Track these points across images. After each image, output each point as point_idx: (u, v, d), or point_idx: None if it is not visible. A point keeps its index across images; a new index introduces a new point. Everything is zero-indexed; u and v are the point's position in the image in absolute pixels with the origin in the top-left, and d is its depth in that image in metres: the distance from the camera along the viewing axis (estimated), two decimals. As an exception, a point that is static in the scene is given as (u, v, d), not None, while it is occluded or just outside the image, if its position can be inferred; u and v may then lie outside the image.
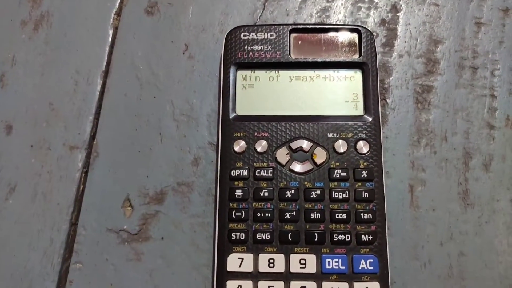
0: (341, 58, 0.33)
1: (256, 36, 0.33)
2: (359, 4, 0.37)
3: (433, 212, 0.32)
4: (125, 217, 0.33)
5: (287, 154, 0.31)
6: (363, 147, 0.31)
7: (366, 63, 0.32)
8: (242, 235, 0.30)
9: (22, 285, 0.32)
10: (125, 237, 0.32)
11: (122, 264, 0.32)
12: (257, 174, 0.31)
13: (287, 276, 0.29)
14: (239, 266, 0.29)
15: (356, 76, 0.33)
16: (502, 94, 0.34)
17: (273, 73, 0.33)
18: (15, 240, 0.33)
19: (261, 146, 0.31)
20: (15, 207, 0.33)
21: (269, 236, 0.29)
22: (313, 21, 0.37)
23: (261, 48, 0.33)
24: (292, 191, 0.30)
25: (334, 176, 0.30)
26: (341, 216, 0.30)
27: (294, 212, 0.30)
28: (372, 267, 0.29)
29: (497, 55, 0.35)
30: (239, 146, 0.31)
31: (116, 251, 0.32)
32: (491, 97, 0.34)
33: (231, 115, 0.32)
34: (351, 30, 0.33)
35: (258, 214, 0.30)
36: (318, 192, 0.30)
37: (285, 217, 0.30)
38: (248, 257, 0.29)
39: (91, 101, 0.36)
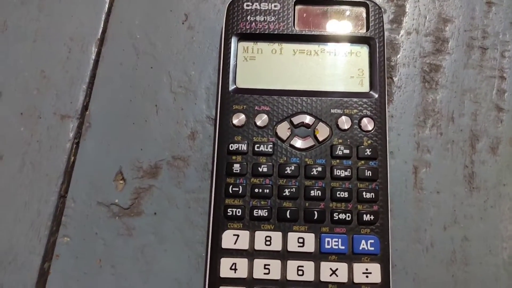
0: (348, 32, 0.31)
1: (260, 6, 0.32)
2: (366, -20, 0.36)
3: (437, 195, 0.31)
4: (117, 190, 0.32)
5: (288, 129, 0.30)
6: (368, 124, 0.30)
7: (373, 38, 0.31)
8: (239, 211, 0.28)
9: (7, 258, 0.30)
10: (116, 211, 0.31)
11: (112, 239, 0.31)
12: (256, 149, 0.29)
13: (284, 254, 0.28)
14: (234, 243, 0.28)
15: (362, 51, 0.31)
16: (512, 76, 0.33)
17: (276, 45, 0.32)
18: (0, 211, 0.31)
19: (261, 120, 0.30)
20: (2, 177, 0.32)
21: (266, 213, 0.28)
22: (319, -6, 0.35)
23: (264, 19, 0.32)
24: (292, 168, 0.29)
25: (337, 153, 0.29)
26: (342, 194, 0.29)
27: (294, 189, 0.29)
28: (372, 248, 0.28)
29: (508, 36, 0.34)
30: (238, 119, 0.30)
31: (106, 226, 0.31)
32: (500, 79, 0.33)
33: (231, 87, 0.30)
34: (359, 4, 0.32)
35: (256, 190, 0.29)
36: (319, 169, 0.29)
37: (284, 194, 0.29)
38: (244, 234, 0.28)
39: (85, 69, 0.34)
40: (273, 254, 0.28)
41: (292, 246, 0.28)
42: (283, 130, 0.30)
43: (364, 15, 0.32)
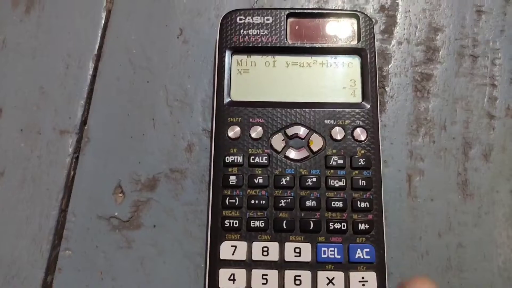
0: (339, 44, 0.32)
1: (253, 20, 0.32)
2: (358, -9, 0.36)
3: (432, 202, 0.32)
4: (116, 204, 0.32)
5: (282, 140, 0.30)
6: (361, 134, 0.30)
7: (365, 49, 0.32)
8: (236, 223, 0.29)
9: (10, 272, 0.31)
10: (116, 224, 0.32)
11: (112, 252, 0.31)
12: (251, 161, 0.30)
13: (281, 264, 0.28)
14: (232, 254, 0.28)
15: (354, 62, 0.32)
16: (503, 83, 0.34)
17: (269, 58, 0.32)
18: (2, 226, 0.32)
19: (256, 132, 0.30)
20: (3, 192, 0.33)
21: (263, 223, 0.29)
22: (311, 6, 0.36)
23: (257, 32, 0.32)
24: (288, 179, 0.29)
25: (331, 163, 0.30)
26: (337, 204, 0.29)
27: (289, 199, 0.29)
28: (368, 257, 0.28)
29: (498, 44, 0.35)
30: (234, 132, 0.30)
31: (106, 239, 0.31)
32: (491, 86, 0.34)
33: (226, 100, 0.31)
34: (350, 16, 0.32)
35: (252, 201, 0.29)
36: (314, 179, 0.29)
37: (280, 205, 0.29)
38: (242, 245, 0.29)
39: (82, 85, 0.35)
40: (270, 264, 0.28)
41: (289, 256, 0.28)
42: (277, 141, 0.30)
43: (355, 26, 0.32)
